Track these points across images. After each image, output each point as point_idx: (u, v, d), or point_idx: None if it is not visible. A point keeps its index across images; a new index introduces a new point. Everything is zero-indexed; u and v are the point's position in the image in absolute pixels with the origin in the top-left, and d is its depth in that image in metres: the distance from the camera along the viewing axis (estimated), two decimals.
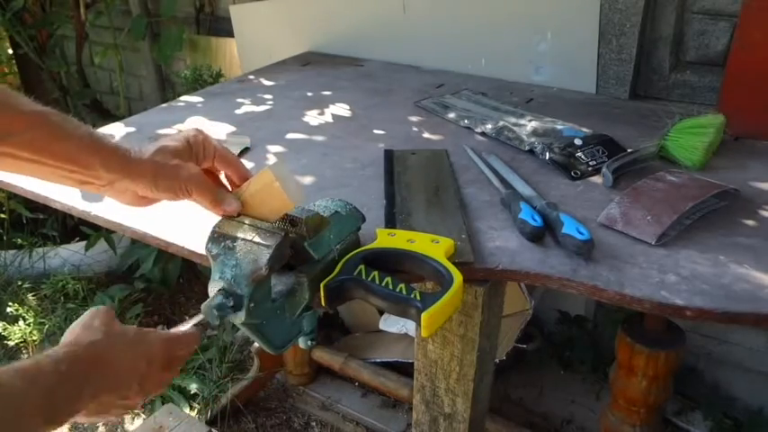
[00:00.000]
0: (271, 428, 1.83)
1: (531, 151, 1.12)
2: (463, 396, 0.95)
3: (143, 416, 1.86)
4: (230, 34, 2.12)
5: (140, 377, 0.65)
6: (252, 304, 0.66)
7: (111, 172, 0.66)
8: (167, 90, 2.52)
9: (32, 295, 2.28)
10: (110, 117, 2.56)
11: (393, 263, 0.75)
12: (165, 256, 2.25)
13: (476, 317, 0.85)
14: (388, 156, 1.10)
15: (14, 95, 0.63)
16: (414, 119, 1.33)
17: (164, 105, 1.50)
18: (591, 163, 1.07)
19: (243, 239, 0.67)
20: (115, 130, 1.29)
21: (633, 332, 1.26)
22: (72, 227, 2.48)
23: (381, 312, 1.73)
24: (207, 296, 0.66)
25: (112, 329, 0.64)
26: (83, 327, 0.64)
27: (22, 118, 0.62)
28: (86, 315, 0.66)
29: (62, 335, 0.64)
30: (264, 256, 0.65)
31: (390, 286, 0.67)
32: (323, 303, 0.71)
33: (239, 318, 0.66)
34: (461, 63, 1.67)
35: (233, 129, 1.29)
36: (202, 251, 0.70)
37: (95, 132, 0.67)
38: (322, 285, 0.70)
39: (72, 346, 0.61)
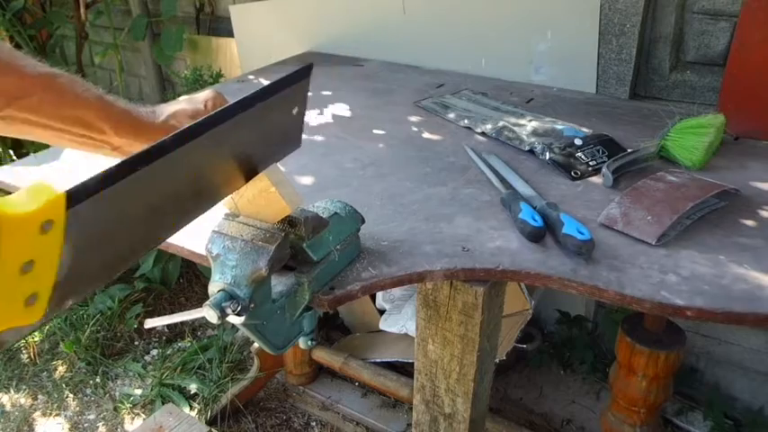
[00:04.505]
0: (271, 428, 1.83)
1: (531, 151, 1.12)
2: (463, 396, 0.95)
3: (143, 416, 1.86)
4: (230, 34, 2.12)
5: None
6: (252, 305, 0.66)
7: (121, 136, 0.64)
8: (167, 90, 2.52)
9: None
10: None
11: None
12: (165, 256, 2.25)
13: (476, 317, 0.85)
14: None
15: (20, 56, 0.60)
16: (414, 119, 1.33)
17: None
18: (591, 163, 1.07)
19: (243, 240, 0.67)
20: None
21: (633, 332, 1.26)
22: None
23: (381, 312, 1.73)
24: (207, 296, 0.66)
25: None
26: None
27: (28, 81, 0.60)
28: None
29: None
30: (264, 256, 0.65)
31: None
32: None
33: (239, 318, 0.66)
34: (461, 63, 1.67)
35: None
36: (202, 251, 0.70)
37: (106, 95, 0.65)
38: None
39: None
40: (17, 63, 0.59)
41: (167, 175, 0.50)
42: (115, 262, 0.50)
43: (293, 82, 0.62)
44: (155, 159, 0.47)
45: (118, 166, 0.44)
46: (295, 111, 0.66)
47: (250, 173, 0.65)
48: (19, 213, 0.38)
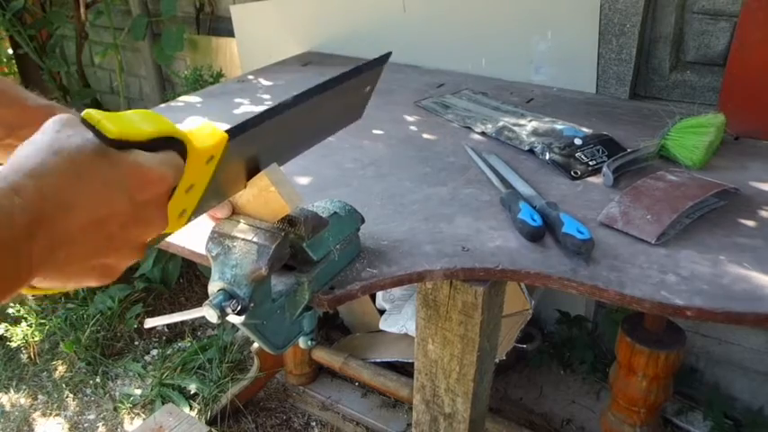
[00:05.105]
0: (271, 428, 1.83)
1: (531, 151, 1.12)
2: (463, 396, 0.95)
3: (143, 416, 1.86)
4: (230, 34, 2.12)
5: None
6: (252, 304, 0.66)
7: None
8: (167, 90, 2.52)
9: (33, 296, 2.29)
10: None
11: None
12: (165, 256, 2.25)
13: (476, 317, 0.85)
14: None
15: (21, 89, 0.64)
16: (414, 119, 1.33)
17: (162, 106, 1.50)
18: (591, 163, 1.07)
19: (243, 240, 0.67)
20: None
21: (633, 332, 1.26)
22: None
23: (381, 312, 1.73)
24: (207, 296, 0.66)
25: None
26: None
27: (29, 111, 0.62)
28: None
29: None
30: (264, 256, 0.65)
31: None
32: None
33: (239, 318, 0.66)
34: (461, 63, 1.67)
35: None
36: (202, 251, 0.70)
37: None
38: None
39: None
40: (20, 96, 0.63)
41: (280, 126, 0.61)
42: (229, 191, 0.63)
43: (374, 66, 0.77)
44: (275, 116, 0.58)
45: (258, 116, 0.55)
46: (367, 89, 0.79)
47: (324, 132, 0.77)
48: (202, 147, 0.48)
